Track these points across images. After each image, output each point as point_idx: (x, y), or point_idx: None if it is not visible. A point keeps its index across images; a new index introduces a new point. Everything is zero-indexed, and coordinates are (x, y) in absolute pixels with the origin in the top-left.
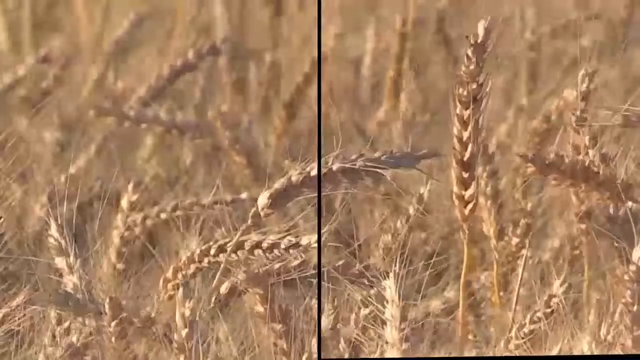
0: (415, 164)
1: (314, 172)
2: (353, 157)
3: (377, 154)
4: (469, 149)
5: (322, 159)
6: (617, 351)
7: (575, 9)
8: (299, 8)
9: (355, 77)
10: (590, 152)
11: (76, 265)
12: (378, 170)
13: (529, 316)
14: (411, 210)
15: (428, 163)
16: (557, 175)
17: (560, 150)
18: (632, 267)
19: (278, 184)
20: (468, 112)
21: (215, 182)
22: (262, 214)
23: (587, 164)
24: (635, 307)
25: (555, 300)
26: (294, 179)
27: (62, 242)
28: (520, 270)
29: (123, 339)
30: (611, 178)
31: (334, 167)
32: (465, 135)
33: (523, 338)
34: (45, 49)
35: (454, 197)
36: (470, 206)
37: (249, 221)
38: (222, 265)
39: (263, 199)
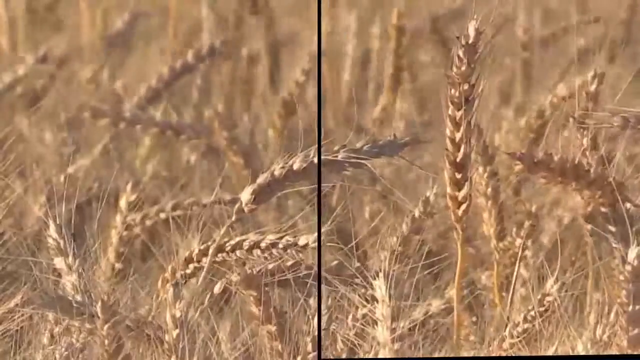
0: (398, 152)
1: (297, 166)
2: (335, 148)
3: (359, 144)
4: (462, 149)
5: (302, 153)
6: (613, 351)
7: (575, 10)
8: (299, 6)
9: (354, 75)
10: (588, 153)
11: (75, 266)
12: (360, 160)
13: (522, 315)
14: (417, 213)
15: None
16: (546, 173)
17: (549, 149)
18: (628, 267)
19: (261, 178)
20: (460, 113)
21: (214, 182)
22: (246, 209)
23: (577, 162)
24: (630, 307)
25: (549, 299)
26: (276, 173)
27: (61, 242)
28: (518, 270)
29: (116, 342)
30: (602, 176)
31: (316, 160)
32: (458, 136)
33: (517, 337)
34: (45, 47)
35: (447, 198)
36: (464, 207)
37: (233, 217)
38: (205, 267)
39: (246, 195)
